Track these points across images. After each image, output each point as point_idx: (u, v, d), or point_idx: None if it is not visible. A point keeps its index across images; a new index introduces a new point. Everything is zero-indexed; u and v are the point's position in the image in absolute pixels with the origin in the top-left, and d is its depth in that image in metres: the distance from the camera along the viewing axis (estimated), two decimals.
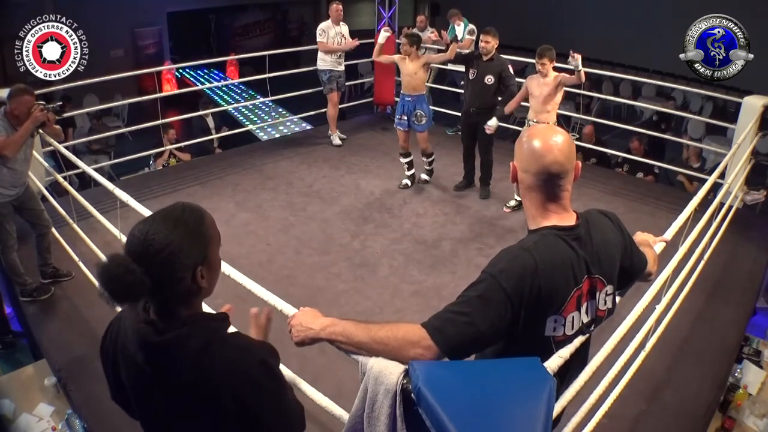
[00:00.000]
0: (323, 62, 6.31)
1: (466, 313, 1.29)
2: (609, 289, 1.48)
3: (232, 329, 1.28)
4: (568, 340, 1.43)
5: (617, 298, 1.60)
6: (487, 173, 5.22)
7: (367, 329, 1.35)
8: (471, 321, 1.28)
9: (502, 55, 5.05)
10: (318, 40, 6.25)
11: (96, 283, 1.11)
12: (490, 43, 4.90)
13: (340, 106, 6.78)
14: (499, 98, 4.96)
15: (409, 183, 5.44)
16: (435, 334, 1.27)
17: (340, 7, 6.27)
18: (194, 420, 1.17)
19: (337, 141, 6.55)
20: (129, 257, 1.10)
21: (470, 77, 5.03)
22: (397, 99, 5.97)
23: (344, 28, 6.36)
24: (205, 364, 1.14)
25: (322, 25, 6.26)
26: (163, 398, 1.18)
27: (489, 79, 4.92)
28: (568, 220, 1.42)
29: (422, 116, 5.15)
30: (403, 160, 5.38)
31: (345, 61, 6.51)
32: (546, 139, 1.38)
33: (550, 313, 1.36)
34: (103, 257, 1.07)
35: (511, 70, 4.96)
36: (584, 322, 1.44)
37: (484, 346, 1.39)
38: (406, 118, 5.19)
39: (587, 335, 1.54)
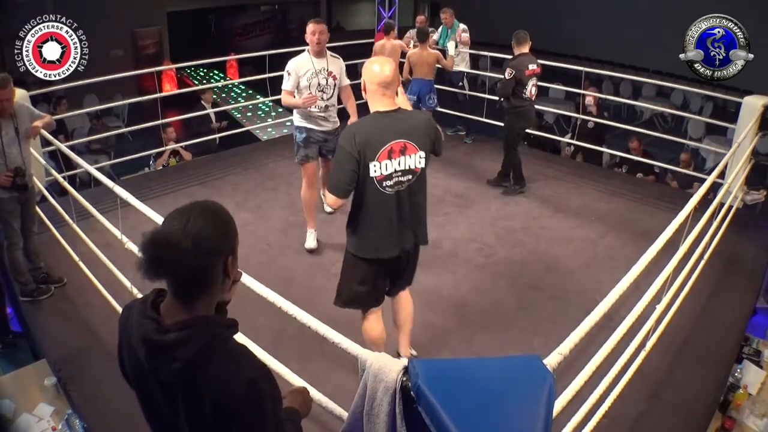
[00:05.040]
0: (298, 116, 4.05)
1: (341, 166, 2.36)
2: (422, 154, 2.42)
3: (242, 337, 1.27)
4: (386, 179, 2.37)
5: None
6: (514, 171, 5.35)
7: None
8: (344, 168, 2.34)
9: (515, 58, 5.05)
10: (283, 87, 3.93)
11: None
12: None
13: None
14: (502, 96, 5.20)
15: None
16: (332, 191, 2.39)
17: (321, 28, 3.84)
18: (181, 417, 1.19)
19: (312, 243, 4.30)
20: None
21: None
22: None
23: (334, 64, 3.97)
24: (195, 371, 1.15)
25: (290, 63, 3.90)
26: (157, 390, 1.21)
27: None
28: (391, 108, 2.40)
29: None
30: None
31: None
32: (381, 65, 2.38)
33: (370, 160, 2.33)
34: (104, 257, 1.08)
35: (506, 73, 4.98)
36: (396, 169, 2.38)
37: (355, 181, 2.36)
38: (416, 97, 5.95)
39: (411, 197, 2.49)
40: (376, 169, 2.33)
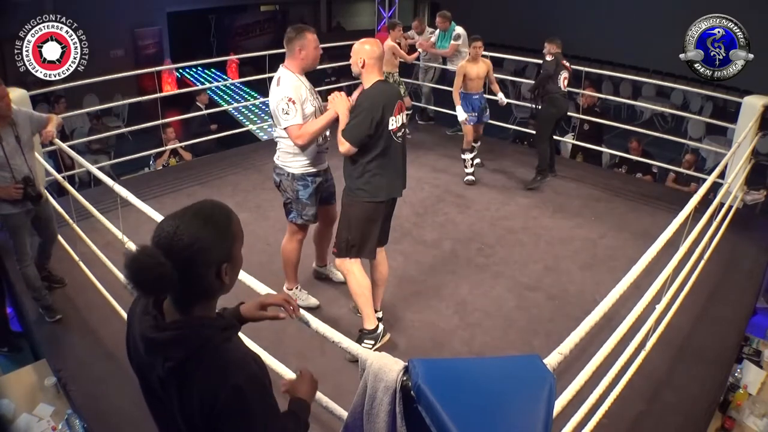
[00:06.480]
0: (299, 160, 3.14)
1: (363, 123, 2.80)
2: (406, 112, 3.11)
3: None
4: (398, 130, 2.93)
5: None
6: (539, 162, 5.48)
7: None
8: (365, 125, 2.80)
9: (552, 59, 5.29)
10: (286, 124, 2.98)
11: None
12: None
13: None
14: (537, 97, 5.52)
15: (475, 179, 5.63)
16: (351, 140, 2.83)
17: (311, 40, 3.04)
18: (177, 411, 1.20)
19: (312, 299, 3.54)
20: (158, 250, 1.11)
21: None
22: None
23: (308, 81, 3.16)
24: (185, 372, 1.16)
25: (287, 88, 2.98)
26: (157, 383, 1.22)
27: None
28: (383, 77, 2.97)
29: (486, 109, 5.68)
30: (471, 155, 5.58)
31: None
32: (372, 44, 2.90)
33: (389, 115, 2.87)
34: (104, 257, 1.09)
35: (547, 56, 5.30)
36: (399, 123, 2.94)
37: (370, 136, 2.83)
38: (476, 114, 5.52)
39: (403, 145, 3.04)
40: (392, 123, 2.89)
